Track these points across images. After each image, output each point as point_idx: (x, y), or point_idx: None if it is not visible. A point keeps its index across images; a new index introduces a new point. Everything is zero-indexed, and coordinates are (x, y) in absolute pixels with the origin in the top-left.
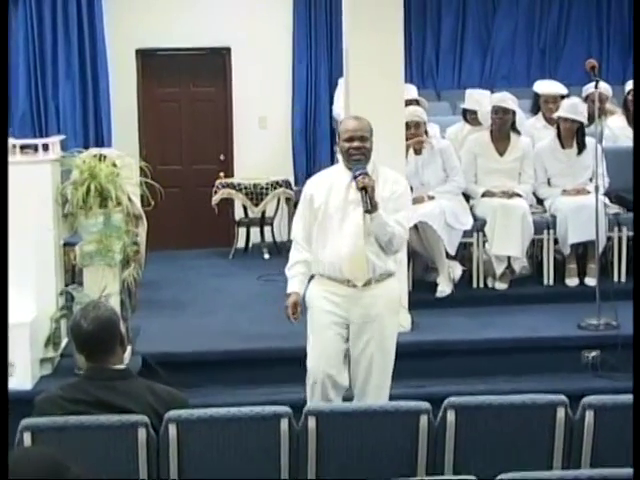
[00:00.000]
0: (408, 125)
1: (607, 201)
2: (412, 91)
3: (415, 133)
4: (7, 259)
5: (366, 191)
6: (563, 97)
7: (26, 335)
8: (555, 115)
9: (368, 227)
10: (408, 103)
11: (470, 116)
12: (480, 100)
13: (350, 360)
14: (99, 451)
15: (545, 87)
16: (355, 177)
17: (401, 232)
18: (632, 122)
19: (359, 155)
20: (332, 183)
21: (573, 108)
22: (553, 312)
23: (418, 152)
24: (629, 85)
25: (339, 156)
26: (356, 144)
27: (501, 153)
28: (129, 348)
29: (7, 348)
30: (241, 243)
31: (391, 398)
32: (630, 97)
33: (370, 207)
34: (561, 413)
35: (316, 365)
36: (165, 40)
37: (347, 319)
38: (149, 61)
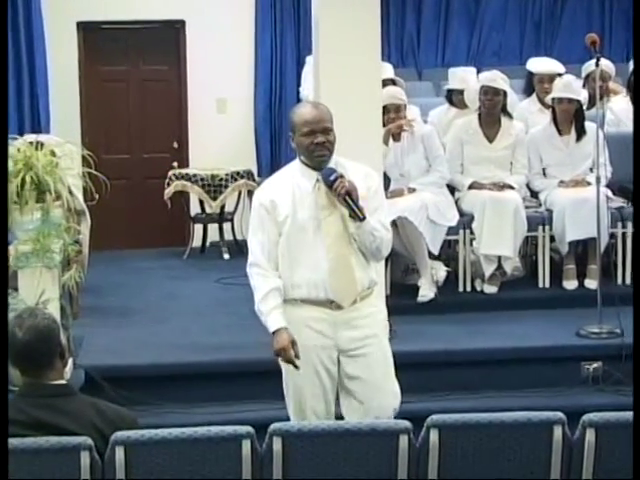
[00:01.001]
0: (387, 109)
1: (609, 193)
2: (387, 70)
3: (396, 118)
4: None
5: (351, 197)
6: (561, 76)
7: None
8: (549, 98)
9: (351, 234)
10: (383, 84)
11: (456, 98)
12: (466, 78)
13: (346, 398)
14: (37, 478)
15: (540, 65)
16: (330, 183)
17: (387, 235)
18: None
19: (324, 151)
20: (295, 188)
21: (567, 87)
22: (549, 319)
23: (397, 139)
24: (634, 62)
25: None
26: (319, 139)
27: (491, 140)
28: (70, 361)
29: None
30: (197, 242)
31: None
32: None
33: (360, 215)
34: (558, 432)
35: (301, 417)
36: (110, 12)
37: (335, 348)
38: (92, 36)
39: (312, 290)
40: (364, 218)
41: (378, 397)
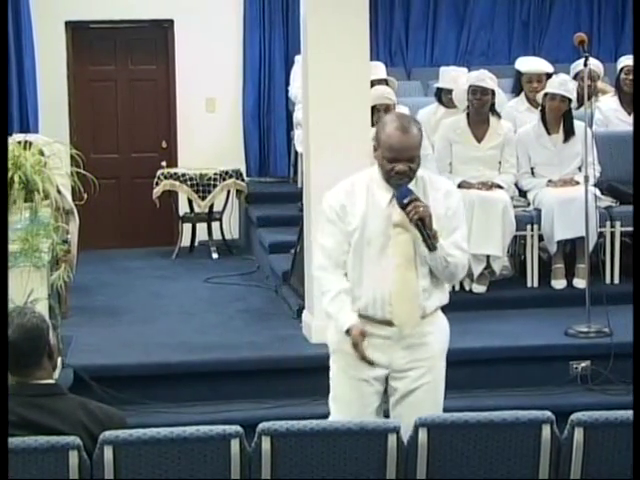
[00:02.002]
0: (376, 109)
1: (598, 193)
2: (380, 70)
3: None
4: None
5: (424, 224)
6: (549, 76)
7: None
8: (541, 93)
9: (422, 258)
10: (376, 83)
11: (445, 97)
12: (456, 78)
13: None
14: (25, 477)
15: (528, 64)
16: (404, 206)
17: (463, 259)
18: (625, 104)
19: (403, 179)
20: (369, 198)
21: (563, 84)
22: (538, 318)
23: None
24: (622, 62)
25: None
26: (401, 167)
27: (479, 139)
28: (59, 360)
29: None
30: (186, 241)
31: None
32: (623, 75)
33: (433, 243)
34: (547, 431)
35: None
36: (99, 11)
37: (388, 367)
38: (80, 35)
39: (371, 308)
40: (435, 248)
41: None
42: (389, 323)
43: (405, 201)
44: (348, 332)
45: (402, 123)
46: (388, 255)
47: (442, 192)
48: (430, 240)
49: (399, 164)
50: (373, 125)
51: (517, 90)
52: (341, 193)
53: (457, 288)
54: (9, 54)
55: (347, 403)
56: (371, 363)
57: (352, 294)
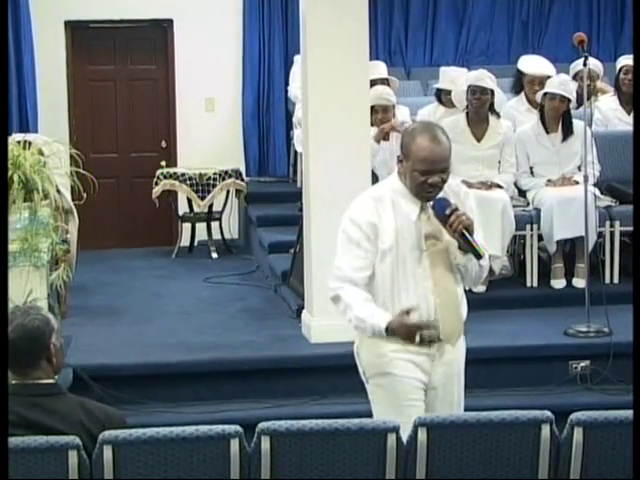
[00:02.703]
0: (375, 109)
1: (597, 192)
2: (381, 69)
3: (383, 118)
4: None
5: (469, 233)
6: (549, 76)
7: None
8: (540, 93)
9: (457, 265)
10: (377, 82)
11: (445, 97)
12: (456, 79)
13: None
14: (24, 477)
15: (531, 66)
16: (445, 218)
17: (487, 261)
18: (624, 104)
19: (435, 191)
20: (397, 213)
21: (563, 84)
22: (537, 317)
23: (386, 138)
24: (621, 61)
25: (397, 174)
26: (435, 179)
27: (479, 139)
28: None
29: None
30: (185, 241)
31: (353, 415)
32: (622, 75)
33: (480, 253)
34: (546, 431)
35: None
36: (98, 11)
37: (427, 384)
38: (80, 35)
39: None
40: (482, 257)
41: None
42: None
43: (447, 212)
44: (387, 331)
45: (433, 134)
46: (424, 268)
47: (462, 195)
48: (476, 249)
49: (432, 176)
50: (372, 125)
51: (518, 89)
52: (367, 211)
53: None
54: (8, 54)
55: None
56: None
57: (387, 310)
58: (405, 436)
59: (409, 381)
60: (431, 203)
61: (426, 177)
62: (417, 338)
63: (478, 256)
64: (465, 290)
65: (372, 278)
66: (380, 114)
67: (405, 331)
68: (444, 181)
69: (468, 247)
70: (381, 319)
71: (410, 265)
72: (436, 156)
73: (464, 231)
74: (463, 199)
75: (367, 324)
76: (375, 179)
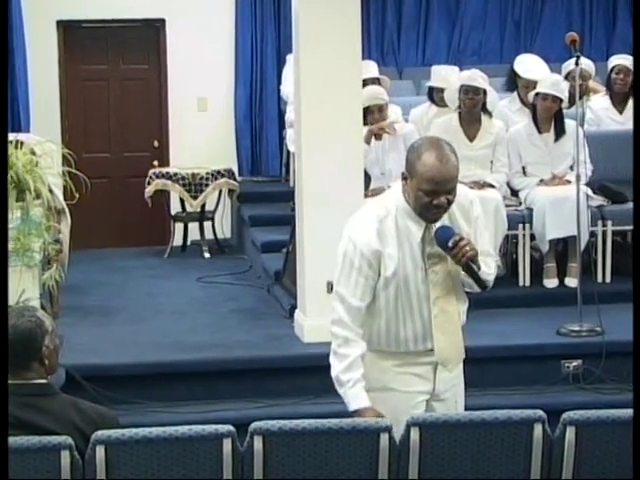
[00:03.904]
0: (370, 109)
1: (590, 192)
2: (372, 68)
3: (379, 118)
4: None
5: (474, 263)
6: None
7: None
8: (532, 93)
9: (459, 285)
10: (368, 82)
11: (437, 95)
12: (448, 77)
13: None
14: (17, 478)
15: (528, 70)
16: (449, 248)
17: (494, 272)
18: (616, 103)
19: (440, 213)
20: (401, 234)
21: (555, 85)
22: (529, 317)
23: (378, 137)
24: (613, 61)
25: (401, 191)
26: (441, 201)
27: (471, 138)
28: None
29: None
30: (178, 241)
31: (346, 415)
32: (614, 75)
33: (483, 282)
34: (539, 430)
35: None
36: (91, 10)
37: (431, 393)
38: (72, 34)
39: (412, 344)
40: (486, 287)
41: None
42: (432, 350)
43: (450, 244)
44: (354, 412)
45: (440, 152)
46: (427, 288)
47: (467, 203)
48: (481, 280)
49: (438, 197)
50: (365, 124)
51: (511, 87)
52: (371, 235)
53: None
54: None
55: None
56: None
57: (394, 339)
58: None
59: (412, 395)
60: (434, 229)
61: (431, 198)
62: None
63: (482, 286)
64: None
65: (375, 300)
66: (376, 114)
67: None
68: (450, 202)
69: (472, 277)
70: (354, 401)
71: (413, 286)
72: (443, 176)
73: (468, 262)
74: (468, 209)
75: (342, 390)
76: (368, 179)
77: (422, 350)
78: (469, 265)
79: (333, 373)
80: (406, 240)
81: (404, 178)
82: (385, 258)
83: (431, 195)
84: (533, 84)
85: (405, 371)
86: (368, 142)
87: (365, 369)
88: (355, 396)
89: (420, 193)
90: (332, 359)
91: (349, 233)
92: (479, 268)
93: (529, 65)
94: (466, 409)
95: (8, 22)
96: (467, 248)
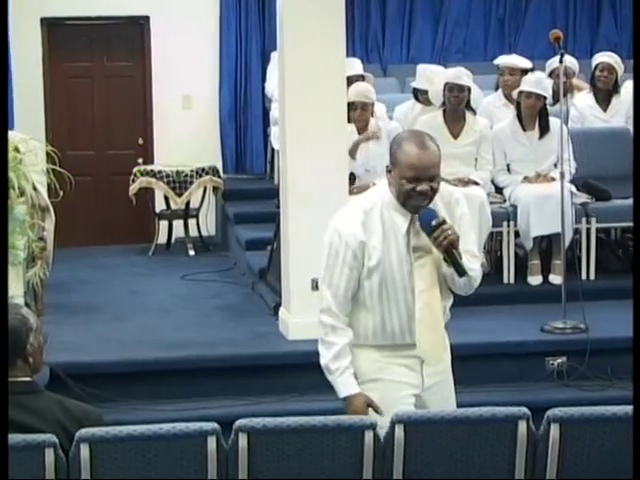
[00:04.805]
0: (354, 105)
1: (574, 189)
2: (356, 65)
3: (361, 115)
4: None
5: (455, 249)
6: (525, 72)
7: None
8: (516, 91)
9: (444, 275)
10: (353, 79)
11: (422, 95)
12: (432, 78)
13: None
14: None
15: (503, 59)
16: (431, 231)
17: (480, 269)
18: (600, 101)
19: (424, 200)
20: (386, 226)
21: (538, 83)
22: (514, 314)
23: (362, 133)
24: (597, 59)
25: (386, 184)
26: (423, 187)
27: (455, 136)
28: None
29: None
30: (162, 238)
31: (331, 412)
32: (598, 72)
33: (463, 269)
34: (523, 427)
35: None
36: (74, 7)
37: (418, 388)
38: (56, 31)
39: (399, 337)
40: (465, 274)
41: None
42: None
43: (433, 223)
44: (344, 399)
45: (420, 140)
46: (411, 280)
47: (452, 202)
48: (461, 266)
49: (420, 184)
50: (349, 121)
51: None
52: (357, 227)
53: None
54: None
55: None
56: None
57: (380, 331)
58: None
59: (401, 386)
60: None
61: (414, 185)
62: None
63: (461, 273)
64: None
65: (360, 290)
66: (359, 110)
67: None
68: (434, 190)
69: (452, 263)
70: (344, 388)
71: (398, 279)
72: (424, 162)
73: (449, 246)
74: (453, 206)
75: (331, 377)
76: (352, 177)
77: (408, 343)
78: (450, 250)
79: (322, 361)
80: (391, 232)
81: (388, 171)
82: (369, 249)
83: (414, 182)
84: (508, 70)
85: (394, 362)
86: (353, 155)
87: (356, 361)
88: (344, 383)
89: (403, 181)
90: (320, 348)
91: (335, 224)
92: (460, 256)
93: (505, 56)
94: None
95: None
96: (449, 232)
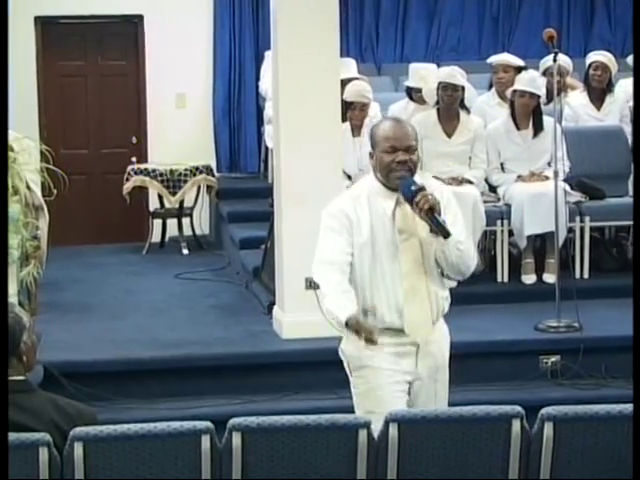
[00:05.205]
0: (353, 105)
1: (568, 188)
2: (352, 67)
3: (359, 115)
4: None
5: (434, 212)
6: (519, 70)
7: None
8: (510, 90)
9: (435, 252)
10: (346, 82)
11: (415, 94)
12: (426, 77)
13: None
14: None
15: (495, 57)
16: (411, 197)
17: (472, 247)
18: (594, 99)
19: (404, 171)
20: (372, 210)
21: (532, 82)
22: (508, 313)
23: (356, 134)
24: (591, 57)
25: (372, 173)
26: (401, 157)
27: (449, 135)
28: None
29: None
30: (156, 237)
31: (325, 411)
32: (592, 71)
33: (446, 230)
34: (517, 426)
35: None
36: (68, 6)
37: (413, 374)
38: (50, 30)
39: (388, 317)
40: (449, 234)
41: None
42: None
43: (413, 188)
44: (347, 325)
45: (395, 119)
46: (398, 262)
47: (435, 187)
48: (444, 228)
49: (399, 154)
50: (345, 120)
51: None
52: (344, 204)
53: None
54: None
55: (381, 417)
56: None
57: (367, 303)
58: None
59: (390, 373)
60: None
61: (392, 156)
62: (374, 338)
63: (445, 234)
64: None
65: (350, 271)
66: (357, 110)
67: (361, 333)
68: (412, 162)
69: (434, 225)
70: (343, 313)
71: (386, 261)
72: (398, 133)
73: (430, 210)
74: (438, 192)
75: (334, 315)
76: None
77: (398, 328)
78: (431, 214)
79: (325, 309)
80: (378, 216)
81: (371, 157)
82: (358, 226)
83: (392, 153)
84: (501, 68)
85: (385, 350)
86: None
87: (348, 348)
88: (342, 308)
89: (383, 155)
90: (321, 302)
91: (325, 210)
92: (444, 221)
93: (500, 55)
94: (448, 402)
95: None
96: (429, 197)
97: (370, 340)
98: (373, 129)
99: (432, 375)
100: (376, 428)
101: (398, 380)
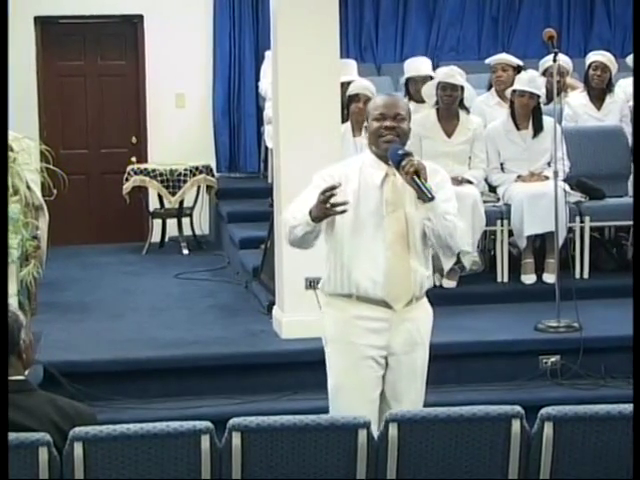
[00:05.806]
0: (358, 97)
1: (567, 188)
2: (352, 70)
3: (363, 108)
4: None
5: (419, 176)
6: (518, 70)
7: None
8: (509, 90)
9: (415, 237)
10: (345, 85)
11: (413, 88)
12: (419, 66)
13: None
14: None
15: (495, 57)
16: (398, 161)
17: (460, 224)
18: (594, 99)
19: (392, 135)
20: (362, 178)
21: (532, 81)
22: (507, 313)
23: (357, 134)
24: (591, 57)
25: (366, 144)
26: (389, 123)
27: (449, 134)
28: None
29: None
30: (156, 237)
31: (325, 411)
32: (592, 71)
33: (429, 195)
34: (516, 426)
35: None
36: (68, 6)
37: (387, 349)
38: (50, 30)
39: (370, 287)
40: (433, 197)
41: (401, 405)
42: (386, 305)
43: (400, 152)
44: (311, 215)
45: (388, 93)
46: (382, 233)
47: (431, 170)
48: (429, 191)
49: (387, 120)
50: (344, 121)
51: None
52: (336, 168)
53: None
54: None
55: (350, 390)
56: (341, 205)
57: (347, 278)
58: (368, 398)
59: (365, 348)
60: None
61: (381, 123)
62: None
63: (428, 198)
64: (433, 284)
65: (332, 233)
66: (362, 103)
67: (319, 208)
68: (401, 130)
69: (418, 189)
70: (307, 212)
71: (369, 229)
72: (388, 103)
73: (415, 174)
74: (432, 175)
75: (302, 222)
76: None
77: (377, 298)
78: (414, 178)
79: (294, 231)
80: (366, 185)
81: (366, 130)
82: (344, 189)
83: (381, 120)
84: (500, 67)
85: (361, 325)
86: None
87: (326, 318)
88: (307, 209)
89: (373, 123)
90: (290, 234)
91: (316, 173)
92: (430, 186)
93: (499, 55)
94: (444, 405)
95: None
96: (415, 162)
97: (335, 203)
98: (369, 105)
99: (408, 352)
100: (345, 402)
101: (372, 355)
